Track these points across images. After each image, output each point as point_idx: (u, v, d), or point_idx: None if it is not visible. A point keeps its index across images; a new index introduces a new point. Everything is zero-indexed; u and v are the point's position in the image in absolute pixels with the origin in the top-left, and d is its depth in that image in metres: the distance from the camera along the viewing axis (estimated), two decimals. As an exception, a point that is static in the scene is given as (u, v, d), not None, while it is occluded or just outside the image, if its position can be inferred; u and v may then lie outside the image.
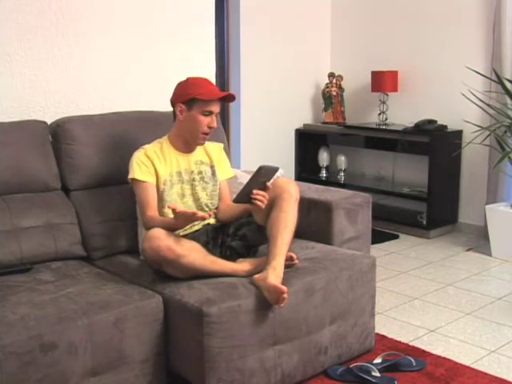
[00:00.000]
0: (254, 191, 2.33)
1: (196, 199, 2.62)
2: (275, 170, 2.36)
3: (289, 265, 2.44)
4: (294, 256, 2.47)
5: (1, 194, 2.56)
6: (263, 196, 2.34)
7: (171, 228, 2.35)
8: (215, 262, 2.35)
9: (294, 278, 2.37)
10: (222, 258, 2.45)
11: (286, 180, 2.53)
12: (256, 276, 2.28)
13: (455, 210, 4.73)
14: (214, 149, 2.73)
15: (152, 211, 2.49)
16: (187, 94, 2.51)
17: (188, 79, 2.59)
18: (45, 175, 2.68)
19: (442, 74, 4.70)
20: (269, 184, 2.35)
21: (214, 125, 2.55)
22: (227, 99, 2.62)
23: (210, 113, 2.52)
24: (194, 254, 2.30)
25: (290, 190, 2.41)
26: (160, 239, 2.24)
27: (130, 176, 2.53)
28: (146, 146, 2.59)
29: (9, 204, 2.54)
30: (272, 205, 2.41)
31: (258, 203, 2.33)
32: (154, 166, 2.54)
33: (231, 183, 2.83)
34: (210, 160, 2.68)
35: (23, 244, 2.49)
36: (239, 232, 2.54)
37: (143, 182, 2.52)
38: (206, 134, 2.56)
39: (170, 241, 2.25)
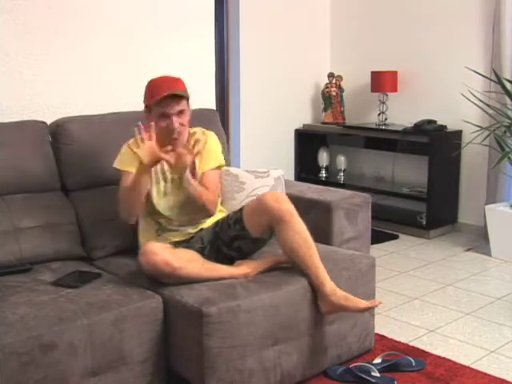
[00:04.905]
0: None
1: (177, 196, 2.50)
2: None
3: (287, 266, 2.44)
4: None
5: (0, 195, 2.56)
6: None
7: (141, 172, 2.34)
8: (213, 270, 2.33)
9: (294, 277, 2.37)
10: (219, 262, 2.42)
11: (273, 198, 2.38)
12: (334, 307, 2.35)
13: (455, 210, 4.73)
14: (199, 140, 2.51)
15: None
16: (145, 98, 2.48)
17: (149, 82, 2.49)
18: (44, 175, 2.68)
19: (441, 74, 4.69)
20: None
21: (172, 126, 2.39)
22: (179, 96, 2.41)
23: (167, 115, 2.39)
24: (192, 265, 2.29)
25: (288, 208, 2.35)
26: (156, 254, 2.22)
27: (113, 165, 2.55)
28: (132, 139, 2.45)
29: (8, 204, 2.54)
30: (274, 227, 2.36)
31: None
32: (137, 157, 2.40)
33: (222, 174, 2.77)
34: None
35: (23, 244, 2.49)
36: (234, 244, 2.49)
37: (123, 171, 2.50)
38: (171, 135, 2.40)
39: (167, 254, 2.24)
